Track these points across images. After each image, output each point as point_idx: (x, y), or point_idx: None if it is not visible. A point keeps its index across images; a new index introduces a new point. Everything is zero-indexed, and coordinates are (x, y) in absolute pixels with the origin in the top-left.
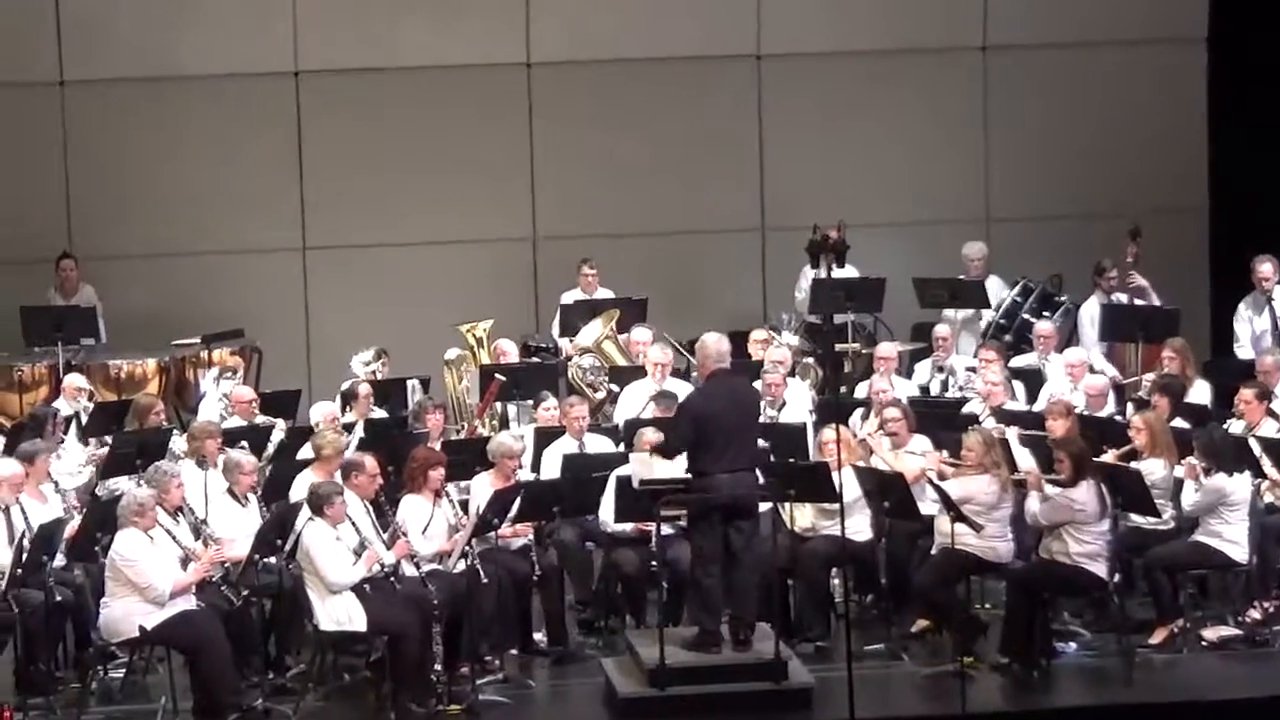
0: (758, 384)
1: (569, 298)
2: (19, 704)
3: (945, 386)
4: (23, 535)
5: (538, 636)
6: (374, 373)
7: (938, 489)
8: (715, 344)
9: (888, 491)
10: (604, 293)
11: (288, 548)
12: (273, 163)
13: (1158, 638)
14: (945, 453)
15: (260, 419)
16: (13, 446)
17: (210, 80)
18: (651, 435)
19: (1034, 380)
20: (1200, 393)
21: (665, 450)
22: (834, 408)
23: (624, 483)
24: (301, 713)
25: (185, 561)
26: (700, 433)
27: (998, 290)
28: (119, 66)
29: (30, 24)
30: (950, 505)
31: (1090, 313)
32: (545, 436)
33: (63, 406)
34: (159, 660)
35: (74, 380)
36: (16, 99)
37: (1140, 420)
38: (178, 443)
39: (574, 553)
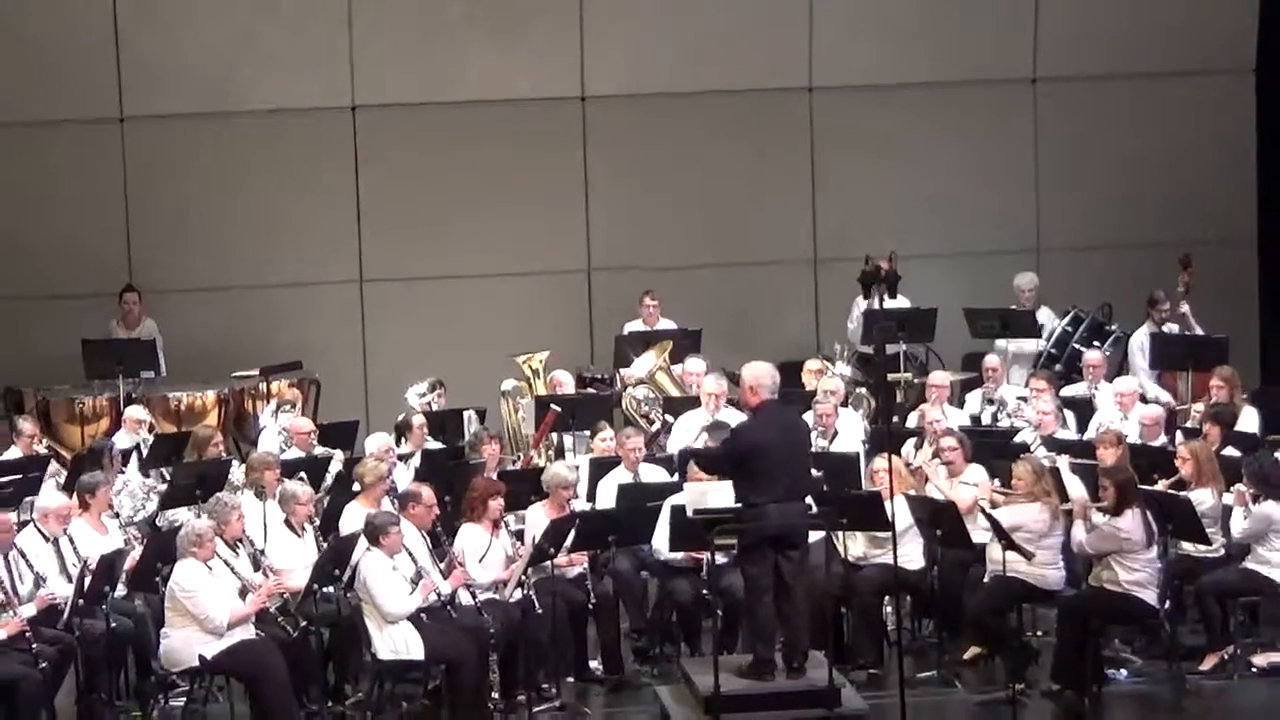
0: (810, 414)
1: (631, 328)
2: None
3: (996, 416)
4: (84, 565)
5: (593, 664)
6: (429, 404)
7: (989, 517)
8: (770, 375)
9: (939, 520)
10: (665, 324)
11: (345, 577)
12: (330, 196)
13: (1208, 664)
14: (997, 481)
15: (318, 450)
16: (74, 479)
17: (268, 115)
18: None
19: (1084, 409)
20: (1248, 420)
21: (707, 462)
22: (886, 437)
23: (678, 512)
24: None
25: (244, 592)
26: (751, 464)
27: (1048, 320)
28: (178, 102)
29: (90, 61)
30: (1001, 533)
31: (1140, 342)
32: (601, 466)
33: (123, 439)
34: (219, 689)
35: (134, 412)
36: (78, 135)
37: (1186, 450)
38: (236, 474)
39: (629, 581)
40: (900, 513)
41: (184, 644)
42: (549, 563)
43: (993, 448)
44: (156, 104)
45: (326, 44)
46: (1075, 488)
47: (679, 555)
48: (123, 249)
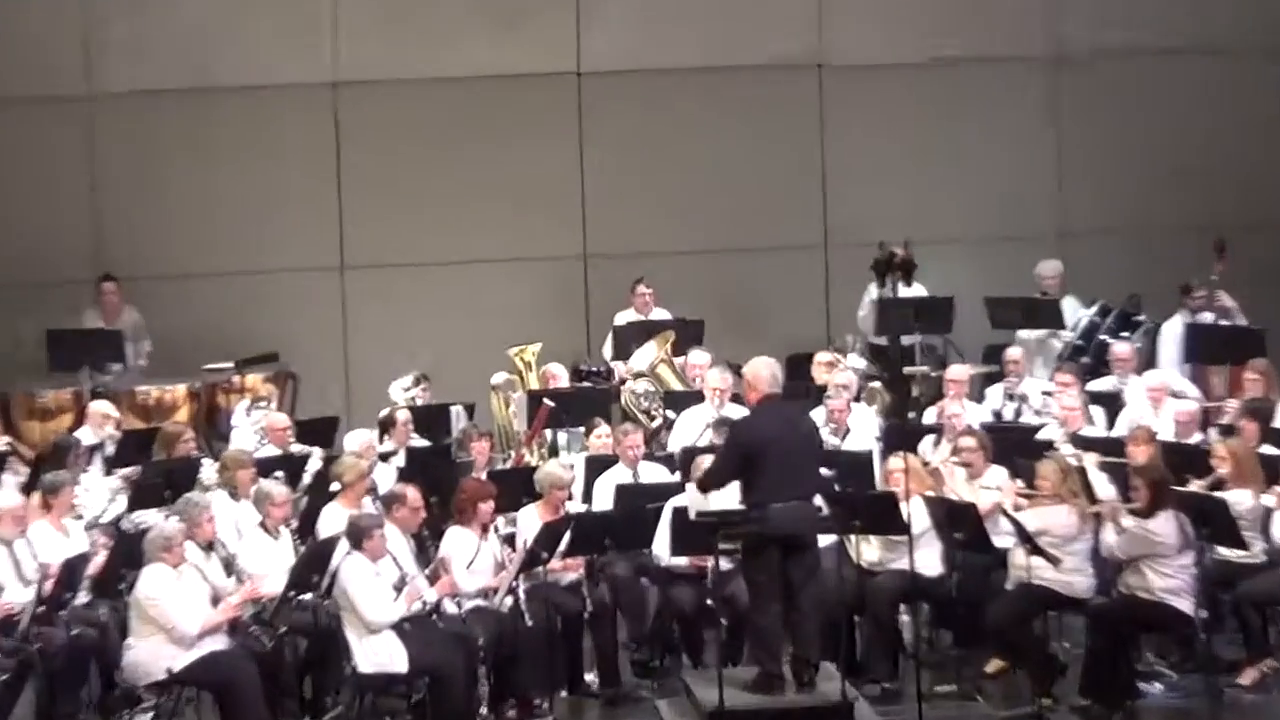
0: (821, 410)
1: (623, 319)
2: None
3: (1018, 412)
4: (44, 570)
5: (589, 677)
6: (414, 399)
7: (1012, 520)
8: (769, 368)
9: (959, 522)
10: (660, 313)
11: (324, 584)
12: (310, 178)
13: (1247, 678)
14: (1020, 481)
15: (295, 447)
16: (34, 478)
17: (244, 91)
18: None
19: (1113, 405)
20: None
21: (706, 483)
22: (902, 434)
23: (680, 514)
24: None
25: (215, 599)
26: (753, 462)
27: (1074, 310)
28: (150, 78)
29: (56, 35)
30: (1026, 537)
31: (1173, 333)
32: (597, 465)
33: (87, 435)
34: (188, 702)
35: (100, 407)
36: (42, 113)
37: (1224, 448)
38: (208, 472)
39: (628, 588)
40: (917, 515)
41: (150, 655)
42: (542, 568)
43: (1015, 446)
44: (127, 80)
45: (307, 15)
46: (1104, 488)
47: (681, 560)
48: (89, 234)
